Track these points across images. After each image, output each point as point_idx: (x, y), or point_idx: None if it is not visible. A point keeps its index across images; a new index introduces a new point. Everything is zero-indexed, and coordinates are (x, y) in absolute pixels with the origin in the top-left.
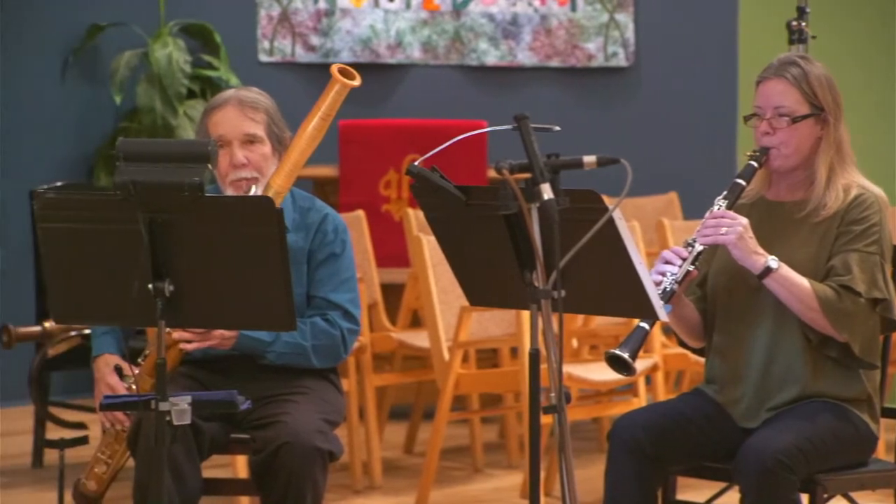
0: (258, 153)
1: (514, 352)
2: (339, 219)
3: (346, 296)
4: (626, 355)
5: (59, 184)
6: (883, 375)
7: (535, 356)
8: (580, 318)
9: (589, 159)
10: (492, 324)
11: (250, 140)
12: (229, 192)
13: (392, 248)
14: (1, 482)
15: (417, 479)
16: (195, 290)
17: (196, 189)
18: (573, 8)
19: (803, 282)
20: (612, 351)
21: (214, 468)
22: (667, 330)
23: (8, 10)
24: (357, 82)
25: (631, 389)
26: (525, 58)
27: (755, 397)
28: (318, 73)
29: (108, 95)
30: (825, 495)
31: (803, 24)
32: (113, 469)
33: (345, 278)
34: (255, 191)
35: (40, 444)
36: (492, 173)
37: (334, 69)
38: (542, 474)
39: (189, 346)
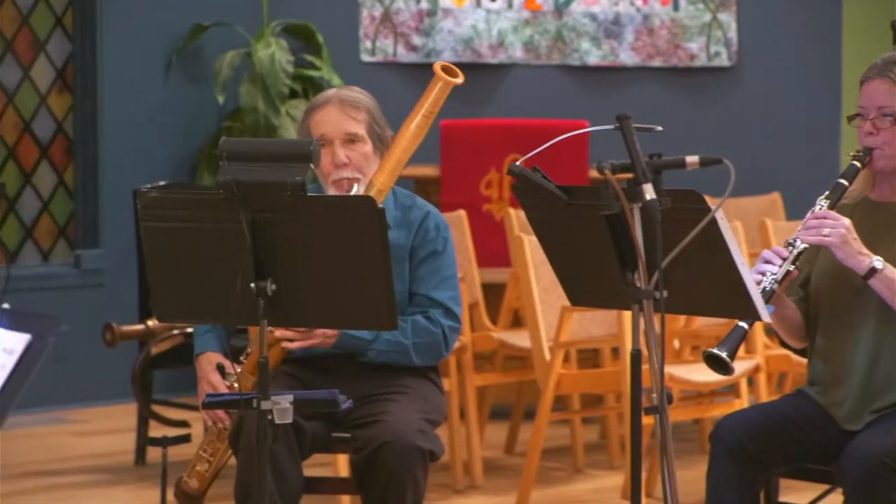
0: (359, 152)
1: (616, 352)
2: (441, 216)
3: (447, 293)
4: (724, 354)
5: (162, 183)
6: None
7: (636, 357)
8: (682, 318)
9: (691, 159)
10: (593, 324)
11: (352, 139)
12: (331, 191)
13: (493, 247)
14: (104, 479)
15: (518, 479)
16: (297, 288)
17: (298, 188)
18: (675, 7)
19: None
20: (711, 350)
21: (316, 467)
22: (769, 331)
23: (112, 10)
24: (460, 80)
25: (733, 391)
26: (627, 58)
27: (859, 399)
28: (419, 73)
29: (211, 95)
30: None
31: None
32: (215, 467)
33: (446, 276)
34: (356, 190)
35: (143, 441)
36: (593, 173)
37: (437, 67)
38: (644, 475)
39: (292, 346)
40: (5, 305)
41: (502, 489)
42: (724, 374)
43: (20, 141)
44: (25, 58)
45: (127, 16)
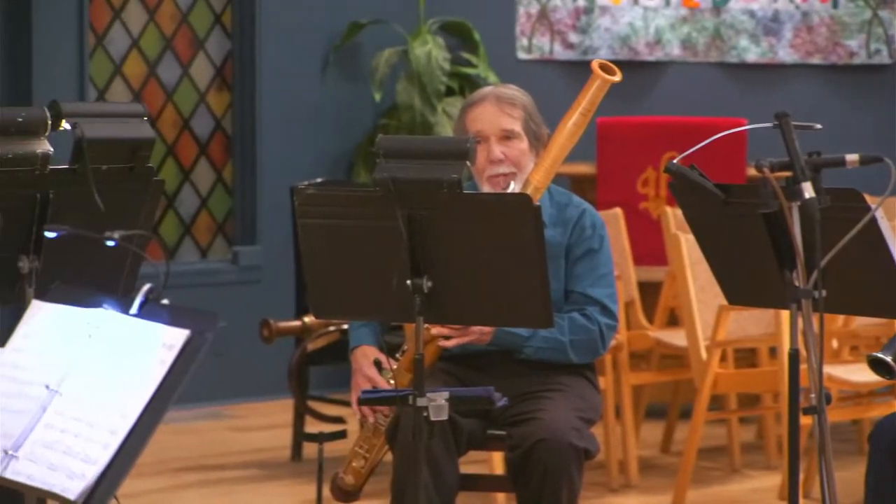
0: (515, 149)
1: (773, 352)
2: (597, 214)
3: (604, 291)
4: (889, 359)
5: (319, 180)
6: None
7: (794, 356)
8: (840, 318)
9: (851, 158)
10: (750, 323)
11: (507, 136)
12: (486, 188)
13: (649, 245)
14: (261, 474)
15: (674, 479)
16: (453, 286)
17: (454, 186)
18: (835, 5)
19: None
20: (875, 354)
21: (471, 464)
22: None
23: (271, 8)
24: (618, 78)
25: (892, 391)
26: (786, 55)
27: None
28: (576, 71)
29: (368, 93)
30: None
31: None
32: (371, 463)
33: (602, 273)
34: (512, 187)
35: (299, 437)
36: (751, 171)
37: (595, 64)
38: (801, 476)
39: (448, 343)
40: (165, 301)
41: (658, 488)
42: (889, 378)
43: (179, 138)
44: (185, 56)
45: (285, 14)
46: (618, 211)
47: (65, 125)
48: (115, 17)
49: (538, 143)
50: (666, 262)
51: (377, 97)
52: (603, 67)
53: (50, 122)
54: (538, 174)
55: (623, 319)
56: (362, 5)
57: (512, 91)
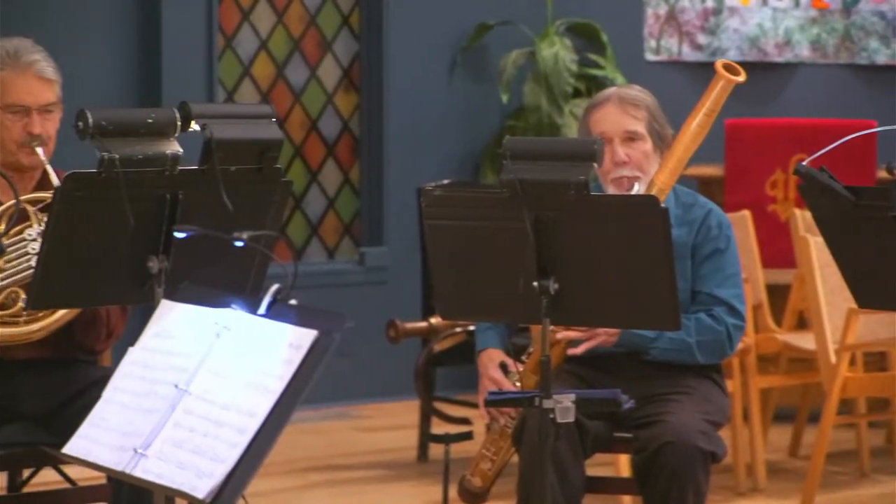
0: (639, 150)
1: None
2: (723, 214)
3: (731, 291)
4: None
5: (446, 181)
6: None
7: None
8: None
9: None
10: (880, 326)
11: (631, 137)
12: (610, 189)
13: (778, 248)
14: (387, 475)
15: (801, 483)
16: (579, 287)
17: (581, 187)
18: None
19: None
20: None
21: (598, 466)
22: None
23: (398, 9)
24: (741, 78)
25: None
26: None
27: None
28: (704, 72)
29: (495, 94)
30: None
31: None
32: (498, 465)
33: (729, 274)
34: (637, 189)
35: (425, 438)
36: (881, 174)
37: (718, 65)
38: None
39: (577, 350)
40: (292, 301)
41: (785, 492)
42: None
43: (307, 140)
44: (313, 57)
45: (413, 15)
46: (746, 213)
47: (194, 126)
48: (244, 19)
49: (662, 145)
50: (794, 264)
51: (504, 98)
52: (727, 68)
53: (179, 123)
54: (663, 175)
55: (751, 322)
56: (490, 7)
57: (635, 92)
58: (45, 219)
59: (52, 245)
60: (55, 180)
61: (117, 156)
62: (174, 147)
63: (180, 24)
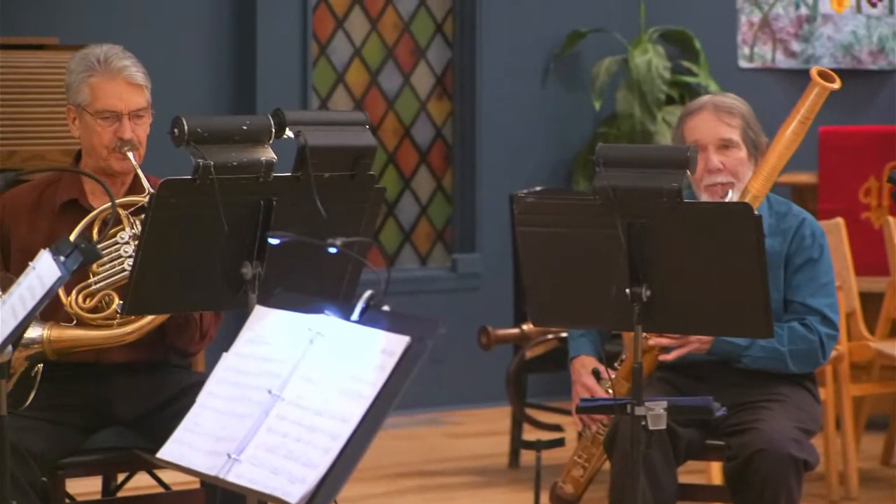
0: (734, 158)
1: None
2: (816, 223)
3: (824, 301)
4: None
5: (538, 188)
6: None
7: None
8: None
9: None
10: None
11: (725, 145)
12: (704, 197)
13: (871, 256)
14: (478, 481)
15: (894, 492)
16: (672, 295)
17: (674, 195)
18: None
19: None
20: None
21: (690, 473)
22: None
23: (491, 17)
24: (836, 85)
25: None
26: None
27: None
28: (798, 79)
29: (587, 101)
30: None
31: None
32: (590, 472)
33: (823, 283)
34: (731, 196)
35: (517, 444)
36: None
37: (814, 72)
38: None
39: (669, 357)
40: (385, 308)
41: (878, 501)
42: None
43: (400, 146)
44: (406, 64)
45: (506, 22)
46: (839, 220)
47: (288, 133)
48: (339, 27)
49: (757, 152)
50: (888, 272)
51: (597, 106)
52: (822, 75)
53: (274, 130)
54: (756, 183)
55: (844, 330)
56: (583, 14)
57: (730, 100)
58: (138, 222)
59: (147, 251)
60: (146, 185)
61: (212, 162)
62: (268, 154)
63: (275, 32)
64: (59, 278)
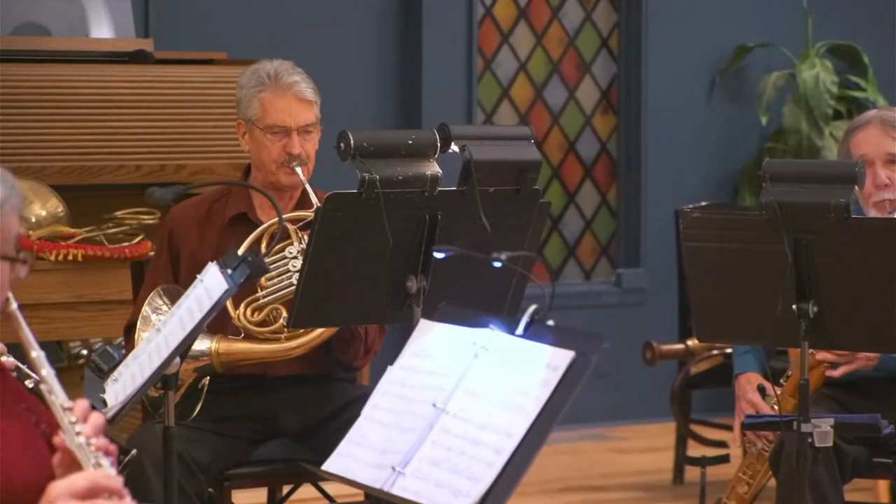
0: None
1: None
2: None
3: None
4: None
5: (703, 203)
6: None
7: None
8: None
9: None
10: None
11: (893, 160)
12: (872, 212)
13: None
14: (642, 497)
15: None
16: (839, 311)
17: (842, 210)
18: None
19: None
20: None
21: (856, 491)
22: None
23: (657, 31)
24: None
25: None
26: None
27: None
28: None
29: (753, 116)
30: None
31: None
32: (754, 489)
33: None
34: None
35: (681, 460)
36: None
37: None
38: None
39: (836, 372)
40: (550, 322)
41: None
42: None
43: (565, 161)
44: (571, 79)
45: (672, 37)
46: None
47: (453, 147)
48: (504, 41)
49: None
50: None
51: (763, 120)
52: None
53: (439, 144)
54: None
55: None
56: (749, 29)
57: None
58: (305, 237)
59: (312, 265)
60: (314, 200)
61: (378, 176)
62: (434, 168)
63: (441, 47)
64: (227, 291)
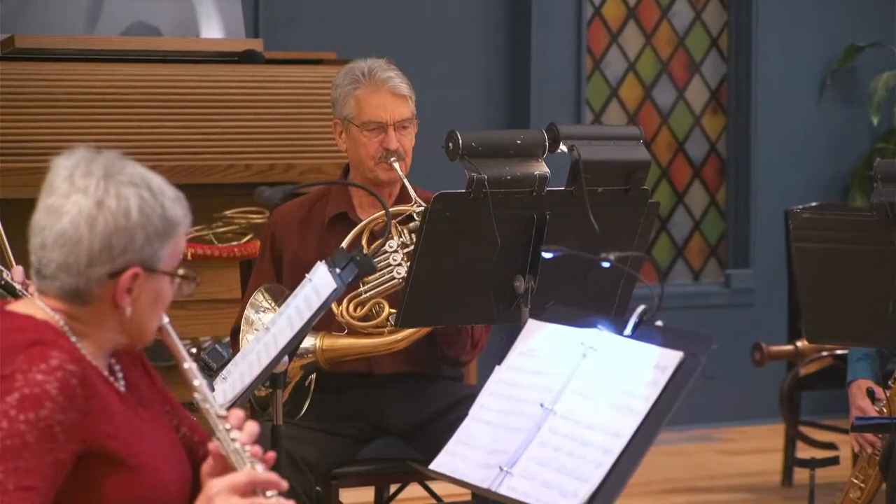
0: None
1: None
2: None
3: None
4: None
5: (814, 204)
6: None
7: None
8: None
9: None
10: None
11: None
12: None
13: None
14: (749, 499)
15: None
16: None
17: None
18: None
19: None
20: None
21: None
22: None
23: (767, 31)
24: None
25: None
26: None
27: None
28: None
29: (865, 116)
30: None
31: None
32: (867, 494)
33: None
34: None
35: (790, 462)
36: None
37: None
38: None
39: None
40: (658, 323)
41: None
42: None
43: (673, 161)
44: (681, 79)
45: (782, 37)
46: None
47: (562, 147)
48: (613, 41)
49: None
50: None
51: (874, 120)
52: None
53: (547, 144)
54: None
55: None
56: (860, 28)
57: None
58: (406, 231)
59: (420, 264)
60: (413, 195)
61: (486, 176)
62: (542, 168)
63: (550, 47)
64: (335, 290)
